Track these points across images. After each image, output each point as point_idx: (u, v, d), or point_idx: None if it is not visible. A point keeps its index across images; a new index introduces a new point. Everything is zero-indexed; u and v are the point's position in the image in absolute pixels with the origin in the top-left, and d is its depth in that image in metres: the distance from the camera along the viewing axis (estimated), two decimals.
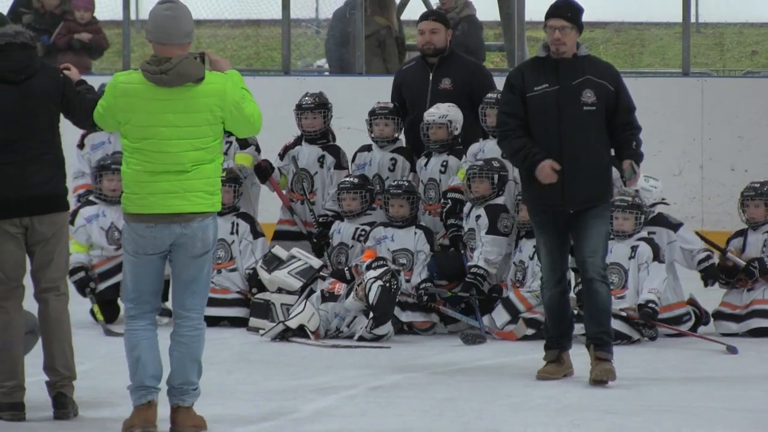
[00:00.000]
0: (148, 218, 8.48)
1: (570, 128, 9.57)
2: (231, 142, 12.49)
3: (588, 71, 9.69)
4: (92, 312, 11.94)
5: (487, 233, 11.78)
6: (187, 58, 8.34)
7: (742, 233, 12.01)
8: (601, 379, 9.65)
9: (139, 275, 8.62)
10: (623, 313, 11.46)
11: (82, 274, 11.91)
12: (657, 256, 11.62)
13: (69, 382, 9.12)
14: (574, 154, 9.51)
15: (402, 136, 12.50)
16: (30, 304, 9.22)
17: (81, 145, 12.69)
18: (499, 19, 19.93)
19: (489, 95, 12.15)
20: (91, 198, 12.40)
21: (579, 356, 10.41)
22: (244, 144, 12.48)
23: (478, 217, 11.89)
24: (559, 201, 9.64)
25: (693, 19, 17.75)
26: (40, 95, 8.98)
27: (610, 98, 9.57)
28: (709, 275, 11.73)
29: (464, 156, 12.25)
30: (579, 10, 9.55)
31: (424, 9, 19.94)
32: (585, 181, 9.74)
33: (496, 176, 11.74)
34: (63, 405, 9.06)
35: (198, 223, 8.50)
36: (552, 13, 9.45)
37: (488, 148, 12.11)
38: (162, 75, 8.32)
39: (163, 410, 8.65)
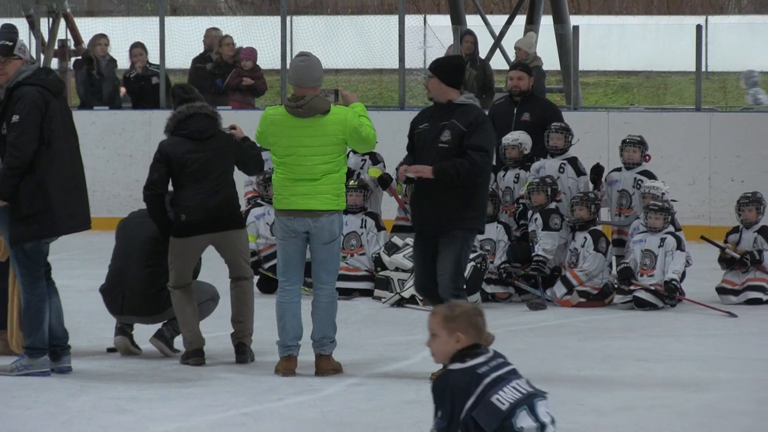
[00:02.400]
0: (290, 213, 8.78)
1: (428, 161, 8.75)
2: (365, 160, 12.63)
3: (453, 116, 8.77)
4: (258, 285, 12.00)
5: (542, 230, 11.80)
6: (317, 96, 8.75)
7: (737, 230, 12.12)
8: None
9: (287, 255, 8.86)
10: (652, 288, 11.48)
11: (254, 258, 12.00)
12: (680, 246, 11.62)
13: (249, 335, 9.30)
14: (428, 183, 8.74)
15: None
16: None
17: None
18: (559, 68, 19.93)
19: (553, 124, 12.19)
20: (259, 201, 12.51)
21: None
22: (374, 161, 12.58)
23: (536, 219, 12.04)
24: (417, 223, 9.07)
25: (703, 69, 17.60)
26: (217, 149, 9.21)
27: (462, 138, 8.70)
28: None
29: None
30: (443, 67, 8.77)
31: (502, 60, 19.89)
32: (433, 208, 8.77)
33: (549, 189, 11.83)
34: (243, 352, 9.28)
35: (326, 218, 8.76)
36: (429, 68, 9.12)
37: (548, 165, 12.31)
38: (298, 109, 8.74)
39: (309, 358, 8.90)
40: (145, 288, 9.26)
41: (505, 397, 5.21)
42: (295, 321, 8.81)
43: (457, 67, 8.98)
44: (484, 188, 8.90)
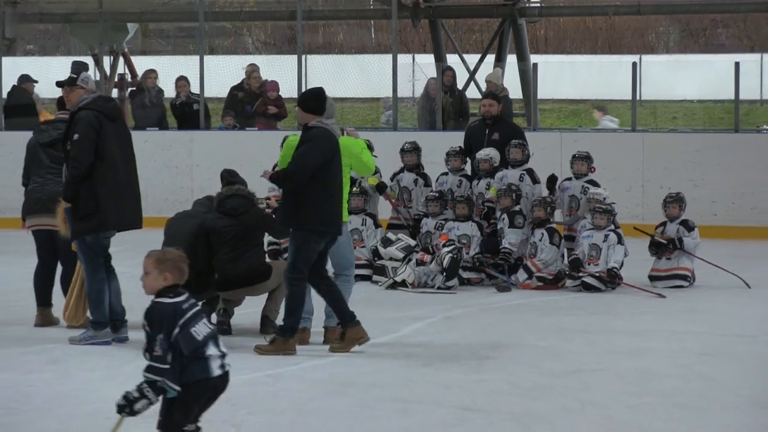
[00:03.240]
0: None
1: None
2: None
3: (304, 136, 8.39)
4: None
5: (508, 228, 11.82)
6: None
7: (663, 224, 12.03)
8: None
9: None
10: (597, 274, 11.47)
11: (275, 248, 11.94)
12: (620, 241, 11.59)
13: (274, 311, 9.30)
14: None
15: (468, 167, 12.52)
16: None
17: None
18: (521, 96, 19.97)
19: (513, 141, 12.26)
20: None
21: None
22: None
23: (503, 219, 12.01)
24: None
25: (638, 98, 17.63)
26: (248, 223, 9.14)
27: None
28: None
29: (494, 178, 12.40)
30: (303, 97, 8.46)
31: (476, 90, 19.86)
32: (281, 210, 8.56)
33: (514, 195, 11.88)
34: (266, 324, 9.29)
35: None
36: None
37: (510, 175, 12.27)
38: None
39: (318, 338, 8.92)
40: None
41: (199, 330, 5.41)
42: (307, 298, 8.69)
43: (313, 96, 8.57)
44: (312, 193, 8.33)
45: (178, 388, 5.34)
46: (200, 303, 9.10)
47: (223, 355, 5.46)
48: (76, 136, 8.60)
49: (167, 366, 5.31)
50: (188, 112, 17.53)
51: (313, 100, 8.54)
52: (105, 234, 8.77)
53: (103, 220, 8.63)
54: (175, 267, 5.48)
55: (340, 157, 8.54)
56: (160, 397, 5.38)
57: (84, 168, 8.55)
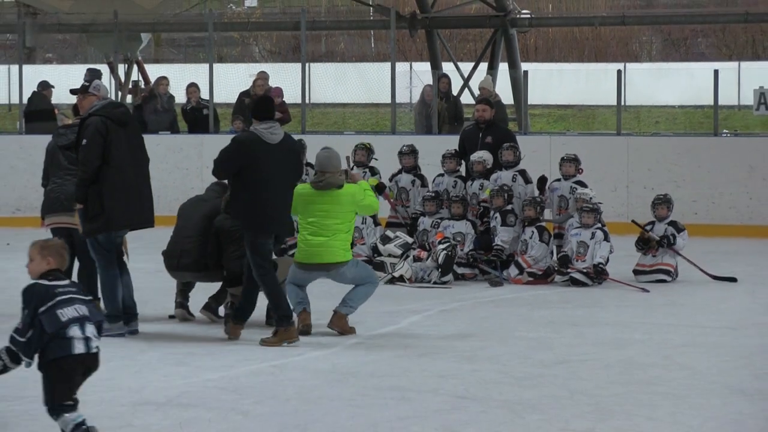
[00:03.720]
0: (307, 267, 8.81)
1: None
2: (366, 172, 12.54)
3: None
4: None
5: (501, 226, 11.80)
6: (333, 175, 8.85)
7: (651, 224, 11.99)
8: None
9: (298, 281, 8.91)
10: (584, 270, 11.44)
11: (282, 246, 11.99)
12: (606, 238, 11.55)
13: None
14: None
15: (462, 169, 12.51)
16: None
17: None
18: (513, 102, 19.97)
19: (505, 144, 12.23)
20: None
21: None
22: (373, 173, 12.63)
23: (496, 217, 11.99)
24: None
25: (623, 103, 17.65)
26: None
27: None
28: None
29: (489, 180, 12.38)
30: (251, 105, 8.69)
31: (470, 96, 19.87)
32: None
33: (506, 195, 11.86)
34: (272, 317, 8.93)
35: (336, 270, 8.78)
36: None
37: (503, 176, 12.23)
38: (319, 183, 8.88)
39: (321, 330, 8.83)
40: (195, 250, 9.16)
41: (65, 313, 5.55)
42: (297, 289, 8.80)
43: (258, 102, 8.90)
44: (243, 194, 8.41)
45: (29, 360, 5.57)
46: (209, 298, 9.33)
47: (87, 339, 5.58)
48: (84, 141, 8.60)
49: (23, 339, 5.53)
50: (198, 117, 17.52)
51: (256, 106, 8.78)
52: (118, 232, 8.77)
53: (109, 220, 8.63)
54: (57, 253, 5.70)
55: (269, 160, 8.46)
56: (28, 367, 5.58)
57: (91, 171, 8.56)
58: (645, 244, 11.81)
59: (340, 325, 8.79)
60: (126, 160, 8.67)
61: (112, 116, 8.66)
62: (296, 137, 9.10)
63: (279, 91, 17.33)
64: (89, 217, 8.65)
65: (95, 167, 8.56)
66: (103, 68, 18.52)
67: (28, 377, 5.81)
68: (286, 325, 8.43)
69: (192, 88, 17.62)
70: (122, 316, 8.70)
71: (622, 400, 6.80)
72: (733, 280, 11.54)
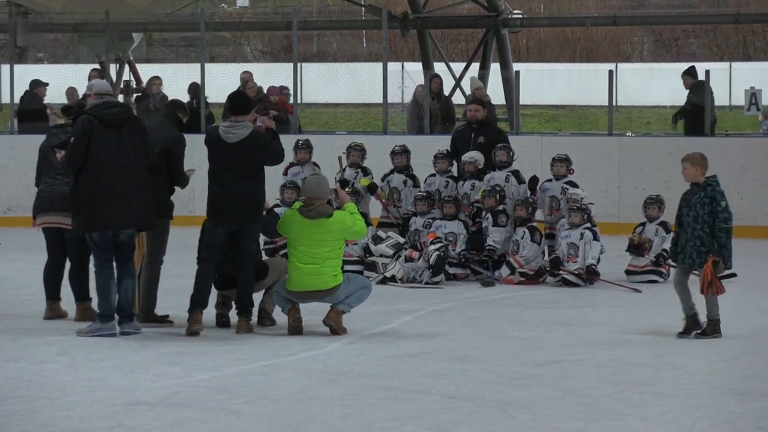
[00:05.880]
0: (298, 295, 8.83)
1: None
2: (358, 172, 12.58)
3: None
4: None
5: (492, 226, 11.82)
6: (323, 203, 8.89)
7: (642, 225, 12.05)
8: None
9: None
10: (576, 272, 11.43)
11: (272, 246, 11.95)
12: (595, 237, 11.56)
13: (271, 304, 9.18)
14: None
15: (454, 169, 12.51)
16: None
17: (285, 173, 12.81)
18: (504, 102, 19.99)
19: (498, 144, 12.21)
20: (278, 204, 12.38)
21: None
22: (365, 173, 12.60)
23: (488, 218, 11.97)
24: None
25: (614, 103, 17.64)
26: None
27: None
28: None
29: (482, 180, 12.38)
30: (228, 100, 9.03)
31: (461, 96, 19.87)
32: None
33: (498, 195, 11.87)
34: (263, 317, 9.17)
35: (329, 297, 8.81)
36: None
37: (497, 176, 12.21)
38: (309, 212, 8.87)
39: (314, 329, 8.85)
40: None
41: None
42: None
43: (232, 98, 9.08)
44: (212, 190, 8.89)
45: None
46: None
47: None
48: (72, 140, 8.58)
49: None
50: (190, 116, 17.53)
51: (231, 102, 9.00)
52: (120, 232, 8.60)
53: (84, 220, 8.54)
54: None
55: (222, 157, 8.78)
56: None
57: (74, 170, 8.54)
58: (636, 249, 11.81)
59: (335, 321, 8.79)
60: (109, 162, 8.49)
61: (100, 116, 8.54)
62: (291, 137, 9.07)
63: (275, 90, 17.37)
64: (72, 216, 8.64)
65: (77, 167, 8.50)
66: (95, 68, 18.58)
67: (21, 377, 5.80)
68: (190, 312, 8.70)
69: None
70: (113, 316, 8.58)
71: (614, 400, 6.80)
72: (733, 275, 11.55)
